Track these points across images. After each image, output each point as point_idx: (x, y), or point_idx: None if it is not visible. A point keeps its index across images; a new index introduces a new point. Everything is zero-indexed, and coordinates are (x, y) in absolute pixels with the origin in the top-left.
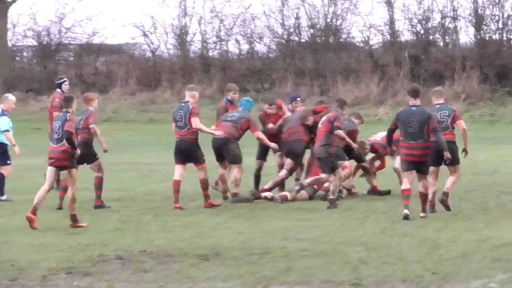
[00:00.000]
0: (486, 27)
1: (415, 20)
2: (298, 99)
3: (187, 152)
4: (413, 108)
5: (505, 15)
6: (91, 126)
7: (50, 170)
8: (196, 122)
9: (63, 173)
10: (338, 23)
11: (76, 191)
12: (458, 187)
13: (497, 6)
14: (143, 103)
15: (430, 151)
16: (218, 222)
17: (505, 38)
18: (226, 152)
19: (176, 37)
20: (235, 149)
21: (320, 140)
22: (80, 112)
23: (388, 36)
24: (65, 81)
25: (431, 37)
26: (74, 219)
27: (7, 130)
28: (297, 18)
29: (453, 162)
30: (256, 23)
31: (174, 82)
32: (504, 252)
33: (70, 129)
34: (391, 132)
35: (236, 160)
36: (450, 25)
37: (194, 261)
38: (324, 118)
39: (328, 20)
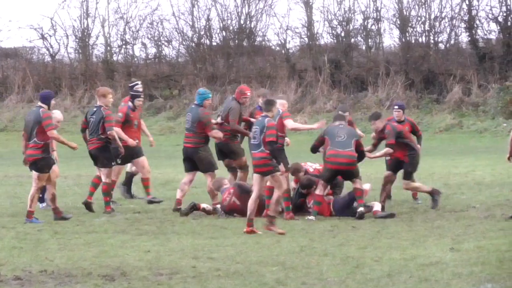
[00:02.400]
0: (412, 29)
1: (335, 22)
2: (397, 106)
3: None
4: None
5: (432, 16)
6: (109, 132)
7: (255, 177)
8: (290, 122)
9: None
10: (252, 25)
11: (281, 194)
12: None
13: (423, 6)
14: None
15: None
16: (123, 240)
17: (432, 41)
18: (197, 161)
19: (77, 40)
20: (206, 157)
21: None
22: (92, 111)
23: (306, 39)
24: (137, 84)
25: (352, 40)
26: (271, 220)
27: None
28: (208, 19)
29: None
30: (164, 25)
31: (75, 89)
32: (432, 272)
33: (272, 139)
34: None
35: (209, 168)
36: (373, 27)
37: (98, 282)
38: None
39: (242, 21)
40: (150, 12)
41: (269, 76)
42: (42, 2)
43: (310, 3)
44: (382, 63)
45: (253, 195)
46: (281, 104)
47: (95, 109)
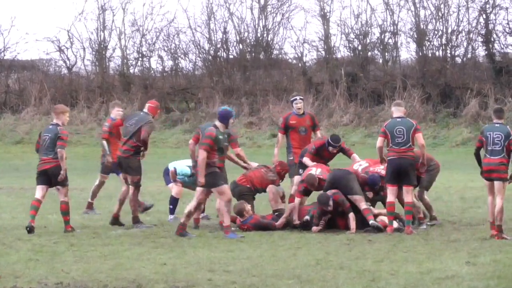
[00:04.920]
0: (429, 43)
1: (352, 35)
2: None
3: (404, 170)
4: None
5: (449, 30)
6: (58, 150)
7: (487, 184)
8: (422, 138)
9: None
10: (269, 38)
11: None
12: None
13: (440, 20)
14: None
15: None
16: (139, 253)
17: (449, 55)
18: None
19: (94, 52)
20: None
21: None
22: (48, 129)
23: (323, 52)
24: (295, 99)
25: (369, 53)
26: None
27: None
28: (225, 32)
29: None
30: (180, 38)
31: (92, 101)
32: (448, 286)
33: None
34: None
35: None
36: (390, 41)
37: None
38: None
39: (258, 34)
40: (166, 25)
41: (285, 89)
42: (59, 15)
43: (327, 17)
44: (399, 76)
45: (491, 200)
46: (402, 112)
47: (50, 126)
